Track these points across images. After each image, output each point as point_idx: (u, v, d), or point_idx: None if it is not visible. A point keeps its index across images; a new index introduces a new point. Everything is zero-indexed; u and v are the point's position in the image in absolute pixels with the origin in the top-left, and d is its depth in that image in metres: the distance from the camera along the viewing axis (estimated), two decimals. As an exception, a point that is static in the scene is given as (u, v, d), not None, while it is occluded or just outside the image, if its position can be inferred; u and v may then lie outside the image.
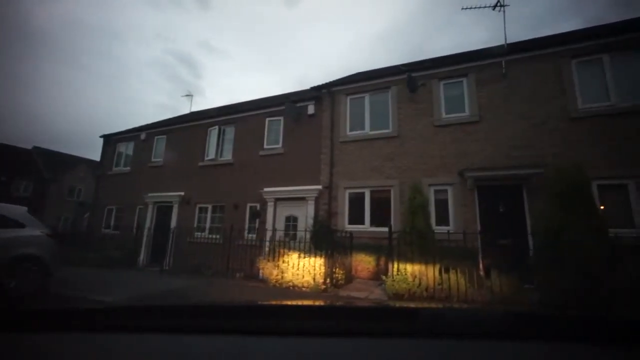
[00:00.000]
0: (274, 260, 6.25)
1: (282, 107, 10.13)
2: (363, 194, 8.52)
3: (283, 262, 6.10)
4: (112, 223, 13.17)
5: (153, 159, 12.98)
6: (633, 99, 6.57)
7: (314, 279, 5.76)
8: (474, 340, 0.71)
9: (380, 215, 8.09)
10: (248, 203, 10.28)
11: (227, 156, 11.26)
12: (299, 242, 6.82)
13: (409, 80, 8.11)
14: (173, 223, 11.29)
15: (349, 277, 6.89)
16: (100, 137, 14.48)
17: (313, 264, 5.82)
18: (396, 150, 8.30)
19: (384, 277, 5.33)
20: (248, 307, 1.03)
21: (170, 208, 11.70)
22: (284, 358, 0.68)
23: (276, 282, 6.03)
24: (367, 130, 8.89)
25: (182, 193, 11.57)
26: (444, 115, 8.05)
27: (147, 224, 11.89)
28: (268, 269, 6.20)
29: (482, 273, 4.91)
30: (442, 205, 7.59)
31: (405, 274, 4.99)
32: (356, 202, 8.60)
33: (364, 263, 7.52)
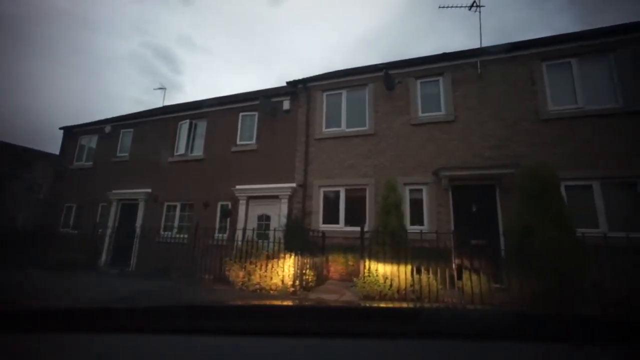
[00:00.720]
0: (240, 261, 5.88)
1: (257, 102, 9.74)
2: (338, 192, 8.30)
3: (250, 263, 5.75)
4: (71, 222, 12.22)
5: (118, 154, 12.18)
6: (598, 102, 6.74)
7: (282, 281, 5.45)
8: (473, 340, 0.71)
9: (356, 215, 7.89)
10: (219, 201, 9.81)
11: (198, 152, 10.71)
12: (271, 242, 6.51)
13: (386, 77, 7.97)
14: (139, 222, 10.60)
15: (322, 279, 6.64)
16: (60, 129, 13.44)
17: (282, 265, 5.51)
18: (372, 148, 8.14)
19: (354, 279, 5.12)
20: (248, 307, 1.05)
21: (136, 206, 10.99)
22: (283, 358, 0.67)
23: (242, 284, 5.67)
24: (344, 128, 8.67)
25: (149, 190, 10.91)
26: (420, 114, 7.97)
27: (110, 222, 11.11)
28: (234, 271, 5.83)
29: (454, 273, 4.78)
30: (417, 205, 7.50)
31: (377, 276, 4.79)
32: (331, 201, 8.36)
33: (337, 264, 7.29)
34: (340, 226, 8.00)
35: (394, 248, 4.83)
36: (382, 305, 1.21)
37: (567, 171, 6.35)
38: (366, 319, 0.88)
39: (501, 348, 0.70)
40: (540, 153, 6.66)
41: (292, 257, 5.54)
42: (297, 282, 5.45)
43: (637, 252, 4.26)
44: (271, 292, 5.37)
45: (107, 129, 12.40)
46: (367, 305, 1.45)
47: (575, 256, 4.08)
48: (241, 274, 5.70)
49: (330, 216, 8.23)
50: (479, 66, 7.59)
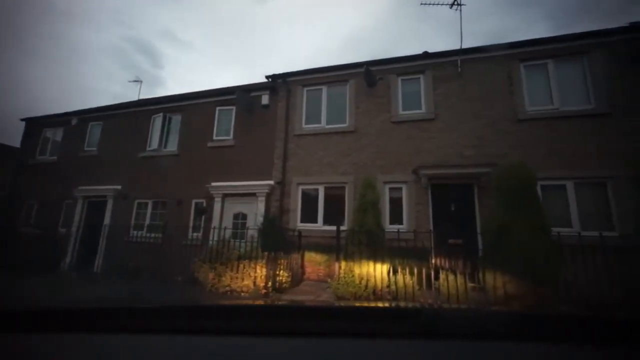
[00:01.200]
0: (210, 262, 5.55)
1: (234, 96, 9.36)
2: (317, 190, 8.08)
3: (221, 264, 5.43)
4: (33, 220, 11.38)
5: (86, 148, 11.45)
6: (572, 103, 6.85)
7: (254, 282, 5.16)
8: (474, 340, 0.71)
9: (334, 214, 7.69)
10: (193, 199, 9.37)
11: (172, 147, 10.21)
12: (246, 241, 6.21)
13: (367, 73, 7.81)
14: (107, 220, 9.98)
15: (298, 280, 6.39)
16: (22, 120, 12.52)
17: (254, 266, 5.23)
18: (352, 145, 7.97)
19: (329, 280, 4.91)
20: (248, 307, 1.06)
21: (104, 203, 10.35)
22: (283, 358, 0.67)
23: (212, 286, 5.34)
24: (324, 124, 8.46)
25: (119, 187, 10.30)
26: (401, 111, 7.87)
27: (76, 221, 10.42)
28: (204, 272, 5.49)
29: (432, 273, 4.66)
30: (397, 204, 7.40)
31: (352, 276, 4.60)
32: (310, 199, 8.13)
33: (315, 264, 7.07)
34: (319, 225, 7.79)
35: (370, 248, 4.66)
36: (382, 305, 1.20)
37: (542, 171, 6.40)
38: (366, 319, 0.88)
39: (501, 348, 0.70)
40: (517, 153, 6.69)
41: (265, 257, 5.26)
42: (270, 284, 5.19)
43: (609, 250, 4.28)
44: (242, 294, 5.08)
45: (74, 121, 11.64)
46: (367, 305, 1.43)
47: (550, 256, 4.04)
48: (211, 275, 5.37)
49: (309, 215, 8.00)
50: (459, 65, 7.57)
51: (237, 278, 5.24)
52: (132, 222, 9.85)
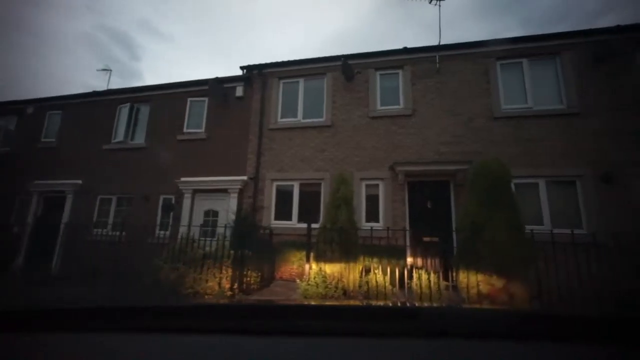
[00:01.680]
0: (172, 262, 5.14)
1: (207, 87, 8.88)
2: (292, 187, 7.79)
3: (184, 264, 5.04)
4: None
5: (43, 139, 10.56)
6: (545, 103, 6.93)
7: (219, 283, 4.82)
8: (474, 340, 0.70)
9: (310, 211, 7.44)
10: (162, 195, 8.83)
11: (140, 139, 9.59)
12: (212, 240, 5.83)
13: (345, 67, 7.59)
14: (66, 217, 9.24)
15: (269, 280, 6.09)
16: (-31, 107, 11.39)
17: (219, 266, 4.88)
18: (329, 140, 7.73)
19: (298, 281, 4.65)
20: (249, 307, 1.08)
21: (63, 199, 9.58)
22: (283, 358, 0.66)
23: (173, 288, 4.94)
24: (300, 118, 8.17)
25: (80, 181, 9.55)
26: (379, 106, 7.71)
27: (30, 218, 9.59)
28: (164, 273, 5.08)
29: (405, 272, 4.49)
30: (373, 201, 7.24)
31: (323, 276, 4.37)
32: (284, 195, 7.83)
33: (288, 263, 6.78)
34: (293, 223, 7.51)
35: (342, 246, 4.43)
36: (382, 304, 1.17)
37: (516, 169, 6.39)
38: (366, 319, 0.88)
39: (501, 348, 0.69)
40: (492, 151, 6.68)
41: (231, 256, 4.93)
42: (236, 285, 4.86)
43: (578, 247, 4.27)
44: (205, 296, 4.72)
45: (30, 109, 10.71)
46: (367, 304, 1.40)
47: (523, 254, 3.97)
48: (172, 275, 4.97)
49: (283, 212, 7.70)
50: (437, 61, 7.49)
51: (200, 279, 4.87)
52: (94, 219, 9.17)
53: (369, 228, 5.15)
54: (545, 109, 6.86)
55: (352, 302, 2.43)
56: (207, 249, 5.65)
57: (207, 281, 4.87)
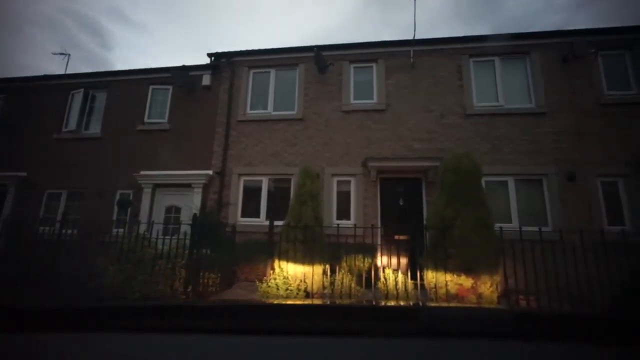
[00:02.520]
0: (119, 263, 4.61)
1: (170, 75, 8.26)
2: (260, 182, 7.38)
3: (132, 264, 4.52)
4: None
5: (-18, 126, 9.44)
6: (515, 101, 6.97)
7: (171, 286, 4.36)
8: (474, 340, 0.70)
9: (279, 208, 7.06)
10: (119, 189, 8.12)
11: (95, 129, 8.79)
12: (171, 239, 5.32)
13: (317, 57, 7.27)
14: (6, 213, 8.29)
15: (231, 281, 5.67)
16: None
17: (172, 267, 4.42)
18: (300, 134, 7.39)
19: (257, 283, 4.30)
20: (248, 306, 1.06)
21: (3, 194, 8.59)
22: (283, 358, 0.66)
23: (119, 291, 4.42)
24: (270, 111, 7.77)
25: (24, 174, 8.61)
26: (352, 100, 7.46)
27: (-36, 214, 8.52)
28: (110, 275, 4.54)
29: (372, 271, 4.24)
30: (345, 198, 6.99)
31: (285, 277, 4.04)
32: (252, 191, 7.42)
33: (254, 263, 6.37)
34: (261, 220, 7.11)
35: (306, 245, 4.12)
36: (382, 304, 1.15)
37: (486, 167, 6.38)
38: (365, 318, 0.88)
39: (503, 347, 0.69)
40: (463, 148, 6.58)
41: (186, 256, 4.48)
42: (190, 288, 4.42)
43: (546, 245, 4.22)
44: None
45: (-34, 93, 9.53)
46: (367, 304, 1.37)
47: (492, 252, 3.84)
48: (118, 278, 4.45)
49: (251, 209, 7.28)
50: (412, 56, 7.34)
51: (150, 282, 4.39)
52: (41, 215, 8.29)
53: (338, 226, 4.86)
54: (515, 107, 6.90)
55: (342, 302, 2.41)
56: (164, 247, 5.15)
57: (157, 284, 4.39)
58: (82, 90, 8.96)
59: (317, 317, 0.88)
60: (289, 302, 1.58)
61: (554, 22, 48.08)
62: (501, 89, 7.07)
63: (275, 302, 1.86)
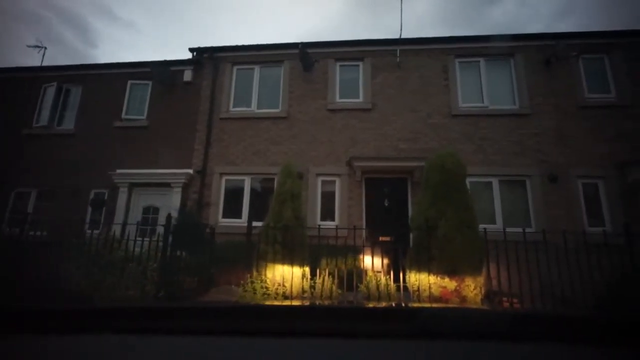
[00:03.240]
0: (87, 266, 4.31)
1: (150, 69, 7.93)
2: (243, 182, 7.15)
3: (99, 268, 4.24)
4: None
5: (-55, 121, 8.85)
6: (500, 102, 6.99)
7: (142, 290, 4.10)
8: (473, 341, 0.70)
9: (262, 208, 6.83)
10: (93, 189, 7.73)
11: (69, 124, 8.37)
12: (152, 240, 5.04)
13: (303, 55, 7.11)
14: (-30, 214, 7.76)
15: (209, 284, 5.42)
16: None
17: (143, 270, 4.17)
18: (284, 133, 7.21)
19: (233, 287, 4.10)
20: (248, 307, 1.10)
21: (-33, 192, 8.05)
22: (283, 358, 0.66)
23: (85, 297, 4.13)
24: (254, 108, 7.55)
25: (-10, 172, 8.09)
26: (338, 99, 7.33)
27: None
28: (75, 279, 4.23)
29: (354, 274, 4.10)
30: (329, 198, 6.84)
31: (262, 281, 3.85)
32: (234, 191, 7.18)
33: (236, 266, 6.13)
34: (243, 221, 6.85)
35: (286, 247, 3.94)
36: (382, 305, 1.18)
37: (471, 167, 6.34)
38: (365, 319, 0.88)
39: (503, 348, 0.68)
40: (449, 148, 6.56)
41: (159, 259, 4.23)
42: (163, 292, 4.17)
43: (529, 247, 4.18)
44: (124, 307, 3.97)
45: None
46: (367, 305, 1.34)
47: (476, 254, 3.76)
48: (84, 283, 4.15)
49: (232, 210, 7.05)
50: (398, 55, 7.27)
51: (119, 285, 4.11)
52: (7, 216, 7.81)
53: (320, 227, 4.70)
54: (499, 108, 6.92)
55: (347, 304, 2.32)
56: (140, 250, 4.87)
57: (127, 288, 4.13)
58: (55, 83, 8.51)
59: (317, 318, 0.86)
60: (288, 303, 1.55)
61: (537, 30, 49.50)
62: (486, 90, 7.08)
63: (274, 303, 1.86)
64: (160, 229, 5.54)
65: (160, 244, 4.63)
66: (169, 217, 5.03)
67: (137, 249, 4.86)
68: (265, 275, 3.94)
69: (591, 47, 7.02)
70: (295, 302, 3.31)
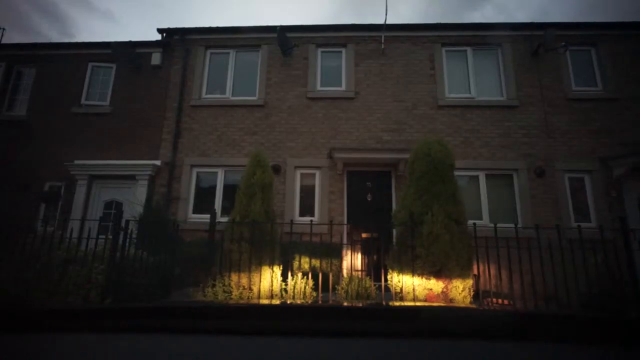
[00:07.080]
0: (19, 270, 3.68)
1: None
2: (215, 174, 6.59)
3: (35, 271, 3.62)
4: None
5: None
6: (487, 94, 6.73)
7: (86, 296, 3.53)
8: (473, 341, 0.69)
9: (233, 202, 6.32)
10: (47, 182, 6.98)
11: (20, 110, 7.52)
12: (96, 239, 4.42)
13: (281, 38, 6.60)
14: None
15: (170, 287, 4.87)
16: None
17: (87, 273, 3.58)
18: (261, 122, 6.69)
19: (192, 290, 3.59)
20: (248, 307, 1.05)
21: None
22: (282, 358, 0.64)
23: (16, 304, 3.50)
24: (229, 95, 6.99)
25: None
26: (319, 87, 6.87)
27: None
28: (5, 284, 3.60)
29: (330, 274, 3.66)
30: (308, 192, 6.39)
31: (225, 284, 3.37)
32: (206, 185, 6.61)
33: (203, 265, 5.61)
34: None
35: (254, 244, 3.47)
36: (382, 305, 1.12)
37: (458, 161, 6.00)
38: (365, 319, 0.87)
39: (503, 348, 0.67)
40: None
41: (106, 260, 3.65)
42: (110, 298, 3.60)
43: (516, 243, 3.89)
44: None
45: None
46: (367, 305, 1.29)
47: (464, 252, 3.41)
48: (14, 289, 3.53)
49: (204, 204, 6.48)
50: (383, 42, 6.87)
51: (57, 292, 3.52)
52: (-53, 212, 6.93)
53: (293, 223, 4.24)
54: (486, 99, 6.66)
55: (347, 303, 2.24)
56: (95, 249, 4.26)
57: (68, 294, 3.54)
58: (4, 64, 7.64)
59: (316, 317, 0.85)
60: (287, 303, 1.57)
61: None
62: (473, 80, 6.79)
63: (274, 303, 1.85)
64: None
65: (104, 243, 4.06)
66: (118, 211, 4.44)
67: (91, 248, 4.26)
68: (229, 277, 3.45)
69: (578, 39, 6.84)
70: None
